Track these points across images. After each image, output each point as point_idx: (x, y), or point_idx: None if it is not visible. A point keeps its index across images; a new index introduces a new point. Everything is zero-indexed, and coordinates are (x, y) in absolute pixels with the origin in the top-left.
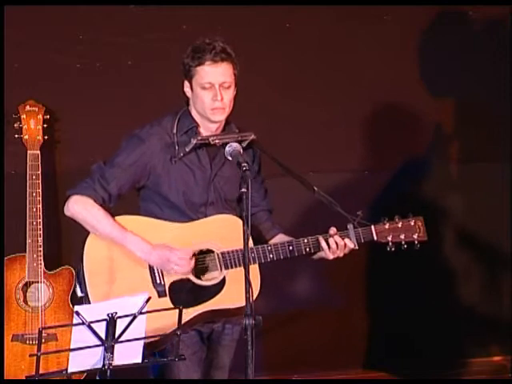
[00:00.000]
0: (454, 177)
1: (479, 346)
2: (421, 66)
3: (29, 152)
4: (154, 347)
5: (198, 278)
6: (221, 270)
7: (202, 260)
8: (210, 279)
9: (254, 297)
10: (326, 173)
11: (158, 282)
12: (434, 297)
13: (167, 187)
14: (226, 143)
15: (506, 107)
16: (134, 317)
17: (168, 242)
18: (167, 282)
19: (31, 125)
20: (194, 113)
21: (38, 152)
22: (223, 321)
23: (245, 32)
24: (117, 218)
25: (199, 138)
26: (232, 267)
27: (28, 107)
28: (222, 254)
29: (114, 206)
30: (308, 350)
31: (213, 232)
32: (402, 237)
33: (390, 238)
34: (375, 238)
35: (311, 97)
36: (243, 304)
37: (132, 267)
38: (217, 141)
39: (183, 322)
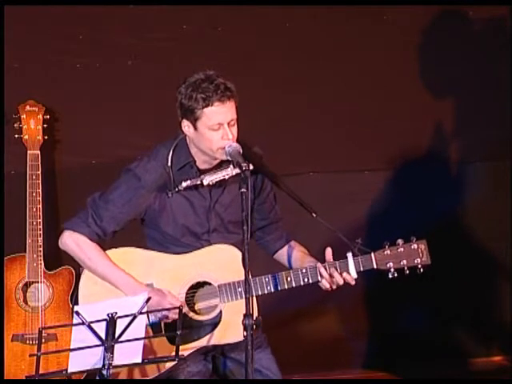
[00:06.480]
0: (454, 177)
1: (479, 346)
2: (421, 66)
3: (29, 152)
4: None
5: (194, 311)
6: (218, 302)
7: (198, 293)
8: (206, 313)
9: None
10: (326, 173)
11: (153, 319)
12: (434, 297)
13: (164, 222)
14: (220, 181)
15: (506, 107)
16: (134, 317)
17: (164, 274)
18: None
19: (31, 125)
20: (191, 146)
21: (38, 152)
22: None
23: (244, 32)
24: (112, 250)
25: (189, 182)
26: (229, 300)
27: (28, 107)
28: (219, 286)
29: (119, 233)
30: (308, 350)
31: (210, 263)
32: (404, 262)
33: (391, 265)
34: (375, 266)
35: (311, 97)
36: (240, 339)
37: None
38: (210, 182)
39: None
